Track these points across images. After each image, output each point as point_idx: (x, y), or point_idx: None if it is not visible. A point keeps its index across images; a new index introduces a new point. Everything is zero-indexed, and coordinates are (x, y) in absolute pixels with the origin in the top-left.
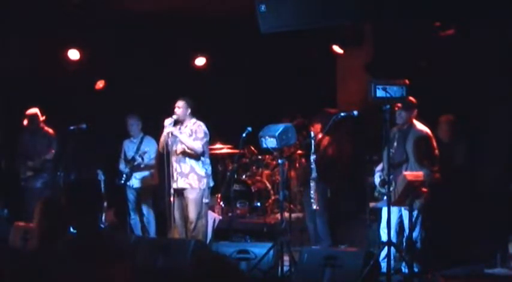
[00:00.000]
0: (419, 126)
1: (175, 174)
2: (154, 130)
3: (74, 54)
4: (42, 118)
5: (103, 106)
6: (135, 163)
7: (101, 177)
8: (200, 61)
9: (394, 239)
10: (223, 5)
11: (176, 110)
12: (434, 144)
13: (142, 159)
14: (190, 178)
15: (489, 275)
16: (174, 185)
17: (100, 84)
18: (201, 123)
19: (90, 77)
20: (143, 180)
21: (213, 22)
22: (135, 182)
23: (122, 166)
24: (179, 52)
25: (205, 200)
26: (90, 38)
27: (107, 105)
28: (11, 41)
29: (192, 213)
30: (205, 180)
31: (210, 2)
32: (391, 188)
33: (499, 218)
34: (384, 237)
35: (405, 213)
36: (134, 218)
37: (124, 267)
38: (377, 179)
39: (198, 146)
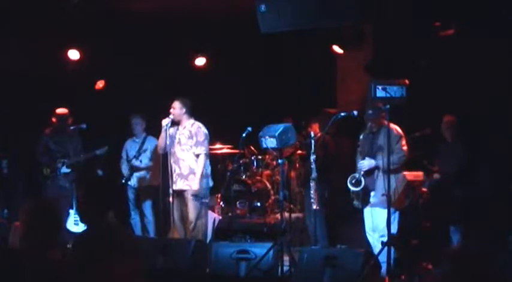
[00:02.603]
0: (390, 125)
1: (174, 175)
2: (154, 130)
3: (74, 54)
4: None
5: (103, 106)
6: (134, 165)
7: None
8: (200, 61)
9: (378, 241)
10: (223, 5)
11: (171, 110)
12: (404, 141)
13: (141, 161)
14: (190, 179)
15: None
16: (174, 186)
17: (100, 84)
18: (200, 125)
19: (90, 77)
20: (144, 180)
21: (213, 22)
22: (135, 182)
23: (123, 166)
24: (179, 52)
25: (204, 200)
26: (90, 38)
27: (107, 105)
28: (11, 41)
29: (191, 214)
30: (204, 181)
31: (210, 2)
32: (360, 189)
33: (499, 218)
34: (371, 240)
35: (381, 212)
36: (134, 218)
37: (128, 264)
38: (350, 185)
39: (202, 152)
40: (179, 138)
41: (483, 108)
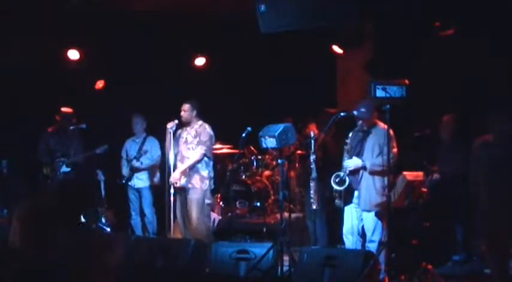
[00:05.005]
0: (381, 125)
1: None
2: (154, 130)
3: (74, 54)
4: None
5: (103, 106)
6: (134, 166)
7: (101, 177)
8: (200, 61)
9: (357, 243)
10: (223, 5)
11: (182, 113)
12: (394, 144)
13: (141, 163)
14: (193, 178)
15: (489, 275)
16: (177, 184)
17: (100, 84)
18: (207, 126)
19: (90, 77)
20: (145, 180)
21: (213, 22)
22: (136, 182)
23: (124, 166)
24: (179, 52)
25: (207, 201)
26: (90, 38)
27: (107, 105)
28: (11, 41)
29: (193, 213)
30: (207, 182)
31: (210, 2)
32: (342, 189)
33: None
34: (348, 243)
35: (366, 216)
36: (135, 218)
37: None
38: (334, 184)
39: (201, 151)
40: (186, 138)
41: (483, 108)
